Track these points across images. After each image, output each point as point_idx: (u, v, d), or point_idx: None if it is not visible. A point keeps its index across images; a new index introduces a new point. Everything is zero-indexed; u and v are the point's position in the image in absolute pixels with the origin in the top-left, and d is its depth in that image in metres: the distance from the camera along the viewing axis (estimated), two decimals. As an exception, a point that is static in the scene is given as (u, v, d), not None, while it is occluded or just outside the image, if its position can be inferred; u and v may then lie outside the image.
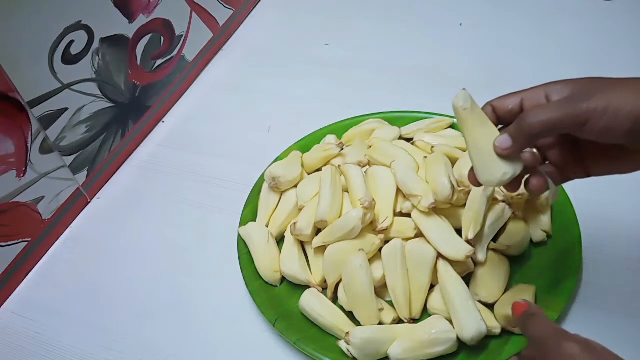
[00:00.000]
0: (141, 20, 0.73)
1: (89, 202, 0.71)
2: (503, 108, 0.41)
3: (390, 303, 0.53)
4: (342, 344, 0.50)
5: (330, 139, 0.67)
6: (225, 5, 0.90)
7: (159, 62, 0.78)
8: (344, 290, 0.53)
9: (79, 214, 0.70)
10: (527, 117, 0.38)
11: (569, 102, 0.37)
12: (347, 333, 0.49)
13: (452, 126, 0.67)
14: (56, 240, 0.67)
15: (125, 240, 0.66)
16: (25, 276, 0.64)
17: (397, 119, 0.68)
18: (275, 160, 0.65)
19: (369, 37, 0.89)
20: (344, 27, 0.91)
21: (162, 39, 0.78)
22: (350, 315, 0.53)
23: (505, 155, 0.40)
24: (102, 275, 0.63)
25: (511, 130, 0.39)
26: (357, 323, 0.52)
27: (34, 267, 0.65)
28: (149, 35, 0.75)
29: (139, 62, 0.75)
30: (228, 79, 0.86)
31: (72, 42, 0.64)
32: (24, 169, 0.60)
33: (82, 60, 0.66)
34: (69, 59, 0.64)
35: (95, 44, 0.67)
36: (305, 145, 0.67)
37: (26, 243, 0.63)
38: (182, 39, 0.82)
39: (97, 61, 0.68)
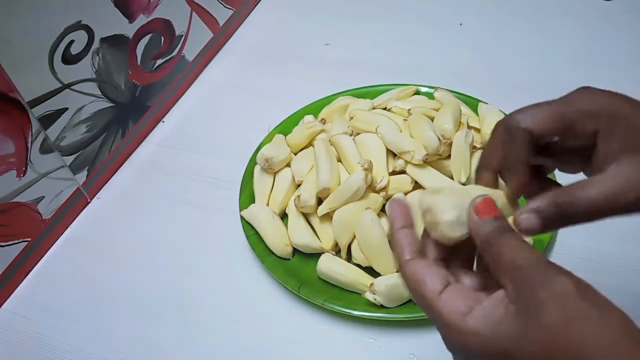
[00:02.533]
0: (141, 20, 0.73)
1: (89, 202, 0.71)
2: (549, 130, 0.32)
3: None
4: (368, 295, 0.53)
5: (309, 118, 0.70)
6: (225, 5, 0.90)
7: (159, 62, 0.78)
8: (359, 247, 0.56)
9: (79, 214, 0.70)
10: (579, 202, 0.29)
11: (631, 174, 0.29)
12: (371, 284, 0.53)
13: (417, 92, 0.73)
14: (56, 240, 0.67)
15: (125, 240, 0.66)
16: (25, 276, 0.64)
17: (364, 94, 0.73)
18: (260, 146, 0.68)
19: (369, 37, 0.89)
20: (344, 27, 0.91)
21: (162, 39, 0.78)
22: (366, 270, 0.56)
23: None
24: (102, 275, 0.63)
25: (544, 211, 0.30)
26: (375, 276, 0.55)
27: (34, 267, 0.65)
28: (149, 35, 0.75)
29: (139, 62, 0.75)
30: (228, 79, 0.86)
31: (72, 42, 0.64)
32: (24, 169, 0.60)
33: (82, 60, 0.66)
34: (69, 59, 0.64)
35: (95, 44, 0.67)
36: (284, 129, 0.71)
37: (26, 243, 0.63)
38: (182, 39, 0.82)
39: (97, 61, 0.68)
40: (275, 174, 0.64)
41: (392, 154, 0.61)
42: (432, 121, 0.62)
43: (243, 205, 0.63)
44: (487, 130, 0.62)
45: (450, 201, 0.31)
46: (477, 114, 0.67)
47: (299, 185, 0.62)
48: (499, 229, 0.29)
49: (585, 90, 0.32)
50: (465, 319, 0.28)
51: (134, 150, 0.77)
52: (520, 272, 0.27)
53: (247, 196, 0.64)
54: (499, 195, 0.33)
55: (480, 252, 0.31)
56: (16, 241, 0.62)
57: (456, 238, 0.31)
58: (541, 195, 0.31)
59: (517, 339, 0.26)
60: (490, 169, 0.34)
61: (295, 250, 0.60)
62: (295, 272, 0.58)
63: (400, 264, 0.31)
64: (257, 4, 0.99)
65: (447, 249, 0.32)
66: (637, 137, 0.30)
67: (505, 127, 0.33)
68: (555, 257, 0.58)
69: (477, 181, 0.35)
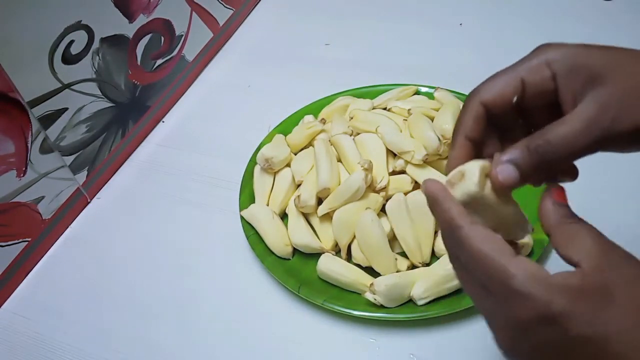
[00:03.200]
0: (141, 20, 0.73)
1: (89, 202, 0.71)
2: (498, 102, 0.32)
3: (399, 254, 0.57)
4: (368, 295, 0.53)
5: (309, 118, 0.70)
6: (225, 5, 0.90)
7: (159, 62, 0.78)
8: (359, 247, 0.56)
9: (79, 214, 0.70)
10: (545, 147, 0.29)
11: (601, 121, 0.29)
12: (371, 284, 0.53)
13: (417, 92, 0.73)
14: (56, 240, 0.67)
15: (125, 240, 0.66)
16: (25, 276, 0.64)
17: (364, 94, 0.73)
18: (260, 146, 0.68)
19: (369, 37, 0.89)
20: (344, 27, 0.91)
21: (162, 39, 0.78)
22: (366, 270, 0.56)
23: (505, 190, 0.31)
24: (102, 275, 0.63)
25: (519, 158, 0.30)
26: (375, 276, 0.55)
27: (34, 267, 0.65)
28: (149, 35, 0.75)
29: (139, 62, 0.75)
30: (228, 79, 0.86)
31: (72, 42, 0.64)
32: (24, 168, 0.60)
33: (82, 60, 0.66)
34: (69, 59, 0.64)
35: (95, 44, 0.67)
36: (284, 129, 0.70)
37: (26, 243, 0.63)
38: (182, 39, 0.82)
39: (97, 61, 0.68)
40: (275, 174, 0.64)
41: (392, 154, 0.61)
42: (432, 121, 0.62)
43: (243, 205, 0.63)
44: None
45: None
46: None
47: (299, 185, 0.62)
48: (568, 216, 0.30)
49: (541, 46, 0.33)
50: (545, 282, 0.27)
51: (134, 150, 0.77)
52: (598, 255, 0.28)
53: (247, 196, 0.64)
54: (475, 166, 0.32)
55: (547, 233, 0.30)
56: (16, 241, 0.62)
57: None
58: (513, 145, 0.31)
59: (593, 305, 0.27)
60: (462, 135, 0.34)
61: (295, 250, 0.60)
62: (295, 272, 0.58)
63: (459, 228, 0.30)
64: (257, 4, 0.99)
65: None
66: (594, 73, 0.30)
67: (467, 97, 0.33)
68: (555, 257, 0.57)
69: (452, 147, 0.34)
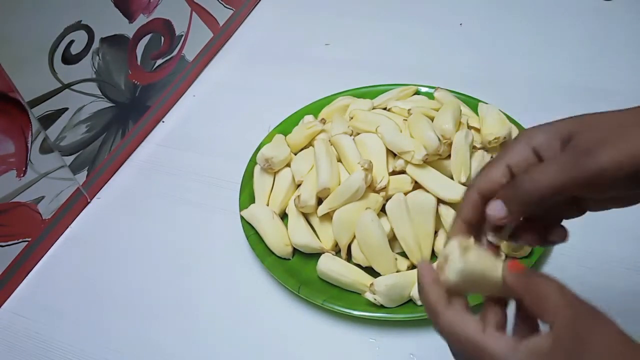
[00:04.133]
0: (141, 20, 0.73)
1: (89, 202, 0.71)
2: (491, 188, 0.35)
3: (399, 254, 0.57)
4: (368, 295, 0.53)
5: (309, 118, 0.70)
6: (225, 5, 0.90)
7: (159, 62, 0.78)
8: (359, 247, 0.56)
9: (79, 214, 0.70)
10: (524, 181, 0.33)
11: (571, 159, 0.31)
12: (371, 284, 0.53)
13: (417, 92, 0.73)
14: (56, 240, 0.67)
15: (125, 240, 0.66)
16: (25, 276, 0.64)
17: (364, 94, 0.73)
18: (260, 146, 0.68)
19: (369, 37, 0.89)
20: (344, 27, 0.91)
21: (162, 39, 0.78)
22: (366, 270, 0.56)
23: (494, 248, 0.36)
24: (102, 275, 0.63)
25: (506, 197, 0.34)
26: (375, 276, 0.55)
27: (34, 267, 0.65)
28: (149, 35, 0.75)
29: (139, 62, 0.75)
30: (228, 79, 0.86)
31: (72, 42, 0.64)
32: (24, 168, 0.60)
33: (82, 60, 0.66)
34: (69, 59, 0.64)
35: (95, 44, 0.67)
36: (284, 129, 0.70)
37: (26, 243, 0.63)
38: (182, 38, 0.82)
39: (97, 61, 0.68)
40: (275, 174, 0.64)
41: (392, 154, 0.61)
42: (432, 121, 0.62)
43: (243, 205, 0.63)
44: (487, 130, 0.62)
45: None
46: (477, 114, 0.66)
47: (299, 185, 0.62)
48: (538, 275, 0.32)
49: (524, 132, 0.36)
50: (516, 350, 0.30)
51: (134, 150, 0.77)
52: (568, 312, 0.29)
53: (247, 196, 0.64)
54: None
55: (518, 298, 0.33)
56: (16, 241, 0.62)
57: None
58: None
59: None
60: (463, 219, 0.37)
61: (295, 250, 0.60)
62: (295, 272, 0.58)
63: (437, 314, 0.33)
64: (257, 4, 0.99)
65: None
66: (568, 135, 0.33)
67: (467, 188, 0.37)
68: (556, 257, 0.58)
69: (451, 230, 0.37)
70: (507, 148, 0.36)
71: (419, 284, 0.35)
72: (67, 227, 0.68)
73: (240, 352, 0.54)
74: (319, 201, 0.59)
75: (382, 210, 0.58)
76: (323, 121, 0.68)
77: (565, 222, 0.36)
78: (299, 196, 0.59)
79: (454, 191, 0.56)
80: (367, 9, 0.94)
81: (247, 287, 0.59)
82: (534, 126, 0.35)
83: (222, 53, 0.90)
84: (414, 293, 0.53)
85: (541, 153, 0.34)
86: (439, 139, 0.58)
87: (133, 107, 0.75)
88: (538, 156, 0.34)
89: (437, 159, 0.59)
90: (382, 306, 0.53)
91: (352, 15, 0.94)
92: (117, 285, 0.62)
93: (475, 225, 0.37)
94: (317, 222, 0.60)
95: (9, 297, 0.62)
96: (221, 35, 0.90)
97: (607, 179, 0.30)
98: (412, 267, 0.57)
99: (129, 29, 0.72)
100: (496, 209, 0.34)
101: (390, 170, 0.60)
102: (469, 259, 0.33)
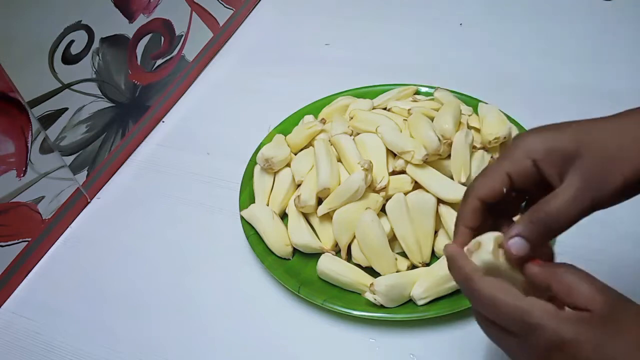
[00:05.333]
0: (141, 20, 0.73)
1: (89, 202, 0.71)
2: (492, 195, 0.37)
3: (399, 254, 0.57)
4: (368, 295, 0.53)
5: (309, 118, 0.70)
6: (225, 5, 0.90)
7: (159, 62, 0.78)
8: (359, 247, 0.56)
9: (79, 214, 0.70)
10: (548, 220, 0.34)
11: (587, 185, 0.33)
12: (371, 284, 0.53)
13: (417, 92, 0.73)
14: (56, 240, 0.67)
15: (125, 240, 0.66)
16: (25, 276, 0.64)
17: (364, 94, 0.73)
18: (260, 146, 0.68)
19: (369, 37, 0.89)
20: (344, 27, 0.91)
21: (162, 39, 0.78)
22: (366, 270, 0.56)
23: (518, 260, 0.35)
24: (102, 275, 0.63)
25: (527, 231, 0.34)
26: (375, 276, 0.55)
27: (34, 267, 0.65)
28: (149, 35, 0.75)
29: (139, 62, 0.75)
30: (228, 79, 0.86)
31: (72, 42, 0.64)
32: (24, 168, 0.60)
33: (82, 60, 0.66)
34: (69, 59, 0.64)
35: (96, 44, 0.67)
36: (284, 129, 0.71)
37: (26, 243, 0.63)
38: (182, 39, 0.82)
39: (97, 61, 0.68)
40: (275, 174, 0.64)
41: (392, 154, 0.61)
42: (432, 121, 0.63)
43: (243, 205, 0.63)
44: (487, 130, 0.62)
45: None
46: (477, 114, 0.67)
47: (299, 185, 0.62)
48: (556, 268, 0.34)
49: (518, 136, 0.37)
50: (561, 318, 0.31)
51: (134, 150, 0.77)
52: (601, 297, 0.32)
53: (247, 196, 0.64)
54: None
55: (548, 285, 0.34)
56: (16, 241, 0.62)
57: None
58: (518, 220, 0.36)
59: (600, 339, 0.30)
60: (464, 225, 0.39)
61: (295, 250, 0.60)
62: (295, 272, 0.58)
63: (474, 282, 0.34)
64: (257, 4, 0.99)
65: None
66: (569, 154, 0.34)
67: (465, 193, 0.39)
68: (556, 257, 0.58)
69: (454, 235, 0.39)
70: (506, 154, 0.37)
71: (449, 261, 0.37)
72: (67, 227, 0.68)
73: (240, 352, 0.54)
74: (319, 201, 0.59)
75: (382, 210, 0.58)
76: (323, 121, 0.68)
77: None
78: (299, 196, 0.59)
79: (454, 191, 0.56)
80: (367, 9, 0.94)
81: (247, 287, 0.59)
82: (532, 131, 0.36)
83: (222, 53, 0.90)
84: (414, 293, 0.53)
85: (541, 167, 0.35)
86: (439, 139, 0.58)
87: (133, 107, 0.75)
88: (537, 167, 0.35)
89: (437, 159, 0.60)
90: (382, 306, 0.53)
91: (352, 15, 0.94)
92: (117, 285, 0.62)
93: (475, 228, 0.38)
94: (317, 222, 0.60)
95: (9, 297, 0.62)
96: (221, 36, 0.90)
97: (622, 197, 0.33)
98: (412, 267, 0.57)
99: (129, 29, 0.72)
100: (519, 247, 0.35)
101: (390, 170, 0.60)
102: (499, 255, 0.35)
